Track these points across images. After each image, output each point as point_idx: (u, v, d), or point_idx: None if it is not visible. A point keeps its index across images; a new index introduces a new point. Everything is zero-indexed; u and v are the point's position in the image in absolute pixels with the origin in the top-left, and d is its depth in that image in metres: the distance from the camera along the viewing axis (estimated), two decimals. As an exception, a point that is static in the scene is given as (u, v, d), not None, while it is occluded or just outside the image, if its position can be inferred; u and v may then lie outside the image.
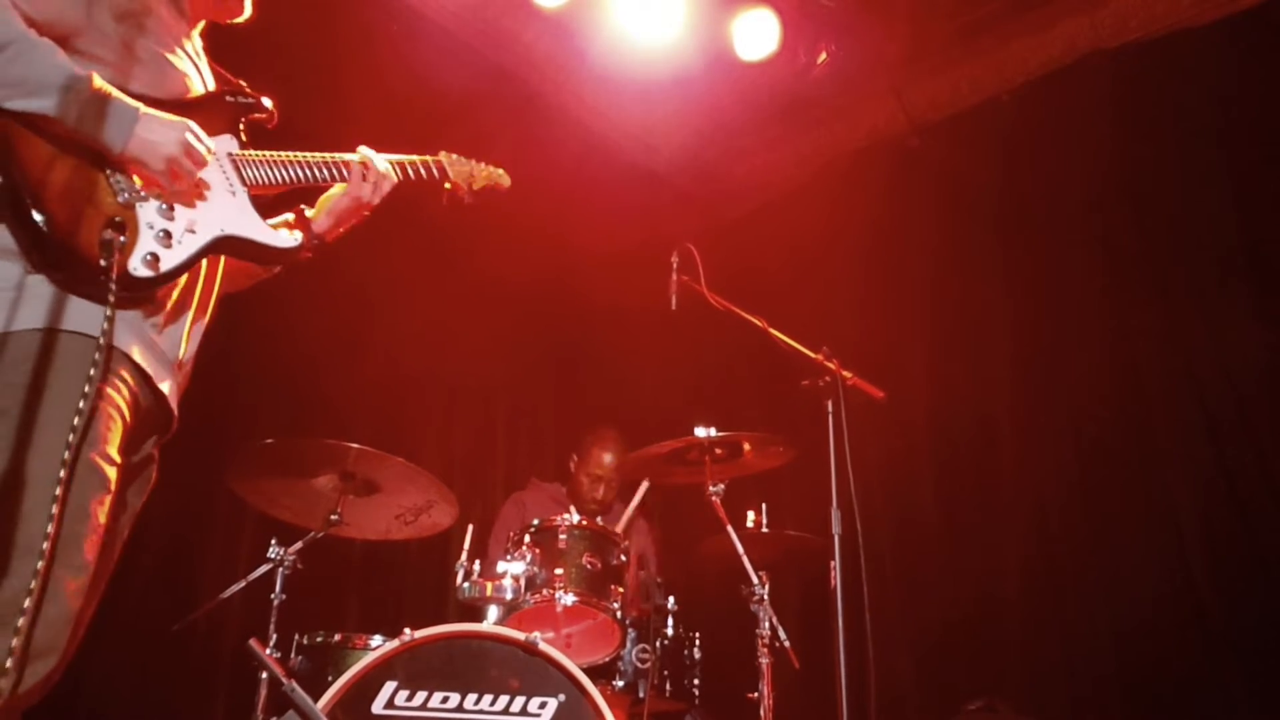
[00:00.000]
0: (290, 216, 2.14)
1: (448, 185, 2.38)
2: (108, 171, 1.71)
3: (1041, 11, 4.45)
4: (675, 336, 4.75)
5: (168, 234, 1.75)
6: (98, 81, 1.67)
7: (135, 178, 1.75)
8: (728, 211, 5.65)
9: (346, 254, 4.85)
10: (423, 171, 2.33)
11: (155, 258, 1.71)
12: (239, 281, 2.18)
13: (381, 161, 2.20)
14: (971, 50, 4.65)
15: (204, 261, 1.93)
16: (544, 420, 5.85)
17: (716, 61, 4.57)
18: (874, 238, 4.92)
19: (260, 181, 1.98)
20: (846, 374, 3.11)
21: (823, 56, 4.49)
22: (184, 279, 1.84)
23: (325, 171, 2.13)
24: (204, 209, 1.84)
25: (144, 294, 1.74)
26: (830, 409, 3.07)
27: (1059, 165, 4.50)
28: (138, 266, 1.69)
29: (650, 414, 4.89)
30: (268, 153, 2.03)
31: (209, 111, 1.93)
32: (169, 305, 1.82)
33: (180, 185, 1.79)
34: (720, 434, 3.35)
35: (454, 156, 2.41)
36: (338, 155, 2.18)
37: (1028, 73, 4.60)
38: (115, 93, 1.69)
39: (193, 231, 1.80)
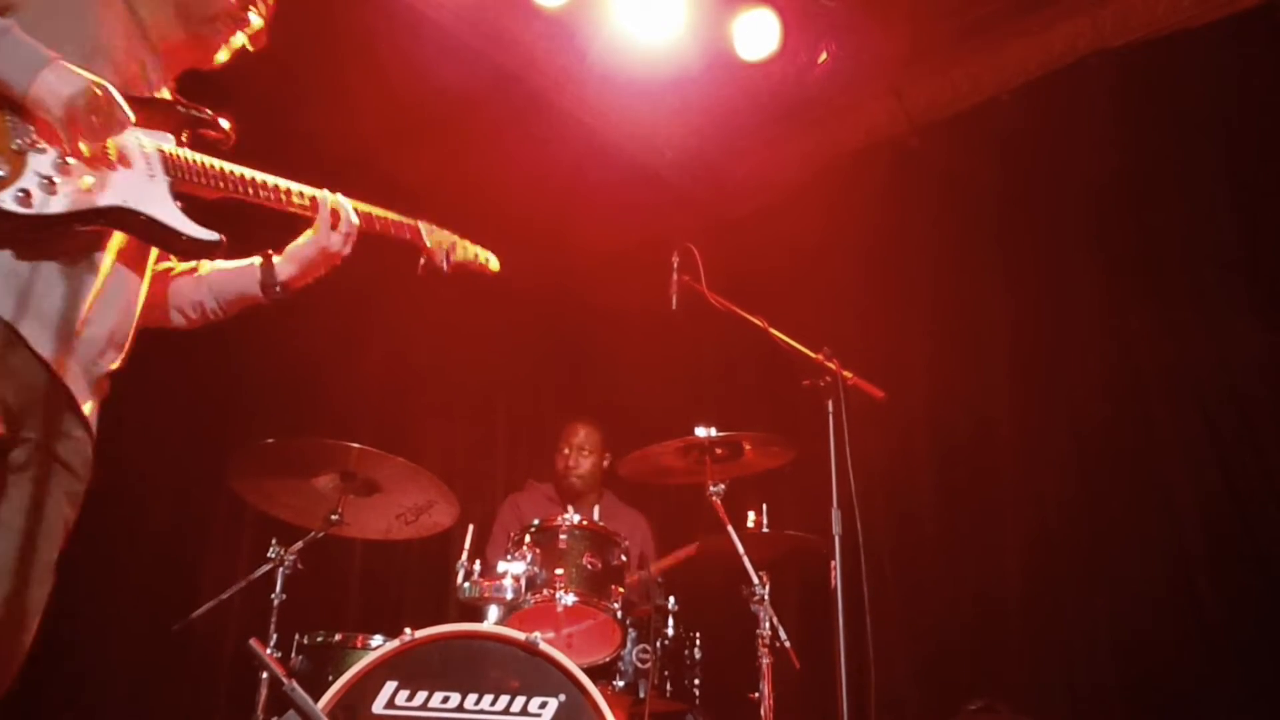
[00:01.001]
0: (257, 260, 2.11)
1: (423, 256, 2.36)
2: (9, 116, 1.67)
3: (1042, 11, 4.45)
4: (676, 336, 4.75)
5: (52, 182, 1.68)
6: (16, 30, 1.65)
7: (36, 128, 1.69)
8: (728, 211, 5.65)
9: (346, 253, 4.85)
10: (393, 230, 2.27)
11: (27, 195, 1.64)
12: (162, 311, 2.13)
13: (350, 209, 2.14)
14: (972, 50, 4.66)
15: (116, 245, 1.84)
16: (544, 420, 5.85)
17: (717, 62, 4.57)
18: (874, 238, 4.92)
19: (186, 178, 1.90)
20: (847, 374, 3.11)
21: (823, 56, 4.50)
22: (82, 245, 1.76)
23: (267, 194, 2.04)
24: (112, 178, 1.78)
25: (11, 230, 1.65)
26: (831, 409, 3.07)
27: (1059, 165, 4.50)
28: (5, 198, 1.62)
29: (650, 414, 4.89)
30: (207, 158, 1.95)
31: (154, 111, 1.89)
32: (57, 263, 1.72)
33: (79, 137, 1.72)
34: (721, 434, 3.35)
35: (432, 226, 2.38)
36: (293, 184, 2.10)
37: (1028, 73, 4.61)
38: (31, 40, 1.67)
39: (88, 193, 1.73)
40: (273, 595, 3.05)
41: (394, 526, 3.41)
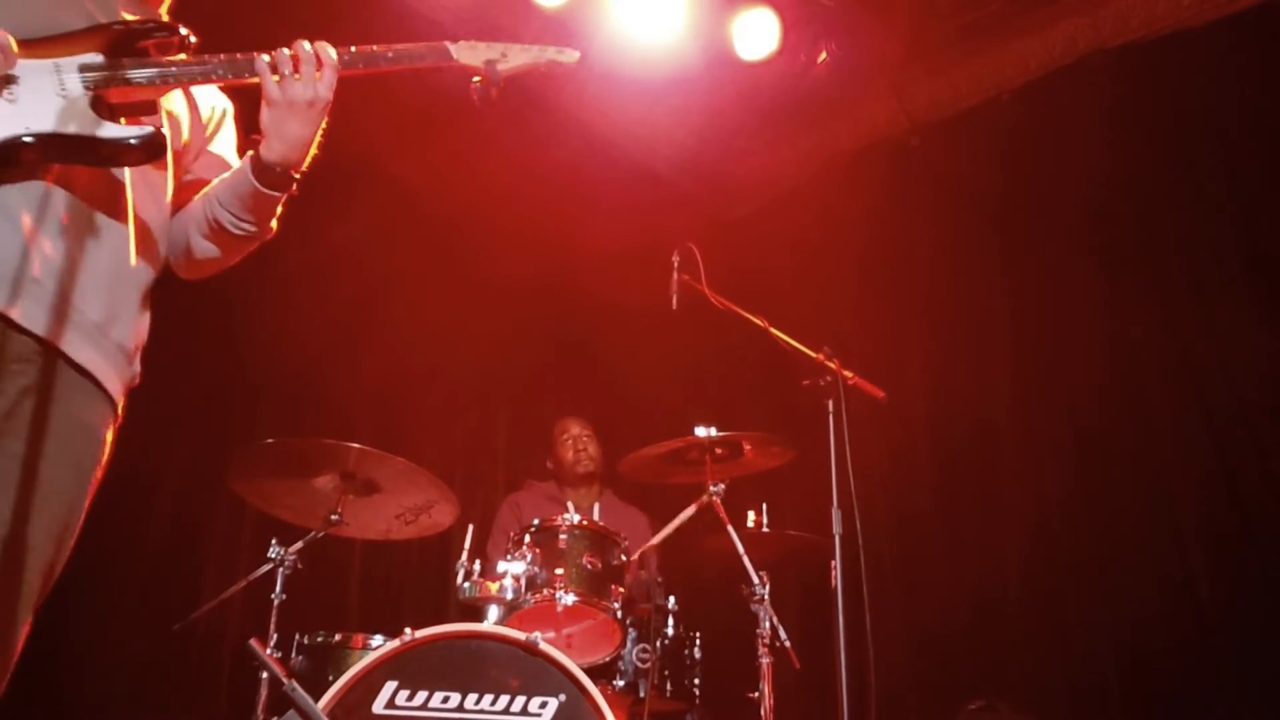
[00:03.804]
0: (250, 153, 1.85)
1: (475, 79, 1.94)
2: None
3: (1042, 11, 4.45)
4: (676, 336, 4.75)
5: None
6: None
7: None
8: (728, 211, 5.65)
9: (347, 253, 4.87)
10: (406, 63, 1.89)
11: None
12: (182, 248, 1.90)
13: (304, 46, 1.79)
14: (972, 50, 4.65)
15: (50, 177, 1.66)
16: (545, 420, 5.84)
17: (717, 61, 4.57)
18: (875, 237, 4.92)
19: (108, 84, 1.69)
20: (847, 374, 3.11)
21: (823, 56, 4.50)
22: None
23: (213, 70, 1.75)
24: (9, 109, 1.62)
25: None
26: (831, 408, 3.07)
27: (1059, 165, 4.50)
28: None
29: (651, 414, 4.89)
30: (140, 61, 1.73)
31: (83, 39, 1.71)
32: None
33: None
34: (721, 434, 3.35)
35: (471, 44, 1.99)
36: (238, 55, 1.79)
37: (1028, 72, 4.61)
38: None
39: None
40: (273, 595, 3.04)
41: (394, 526, 3.41)
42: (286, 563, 3.07)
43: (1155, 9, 4.25)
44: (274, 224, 1.91)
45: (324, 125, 1.83)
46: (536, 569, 3.19)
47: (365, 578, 4.75)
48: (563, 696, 2.66)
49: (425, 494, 3.25)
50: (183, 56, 1.77)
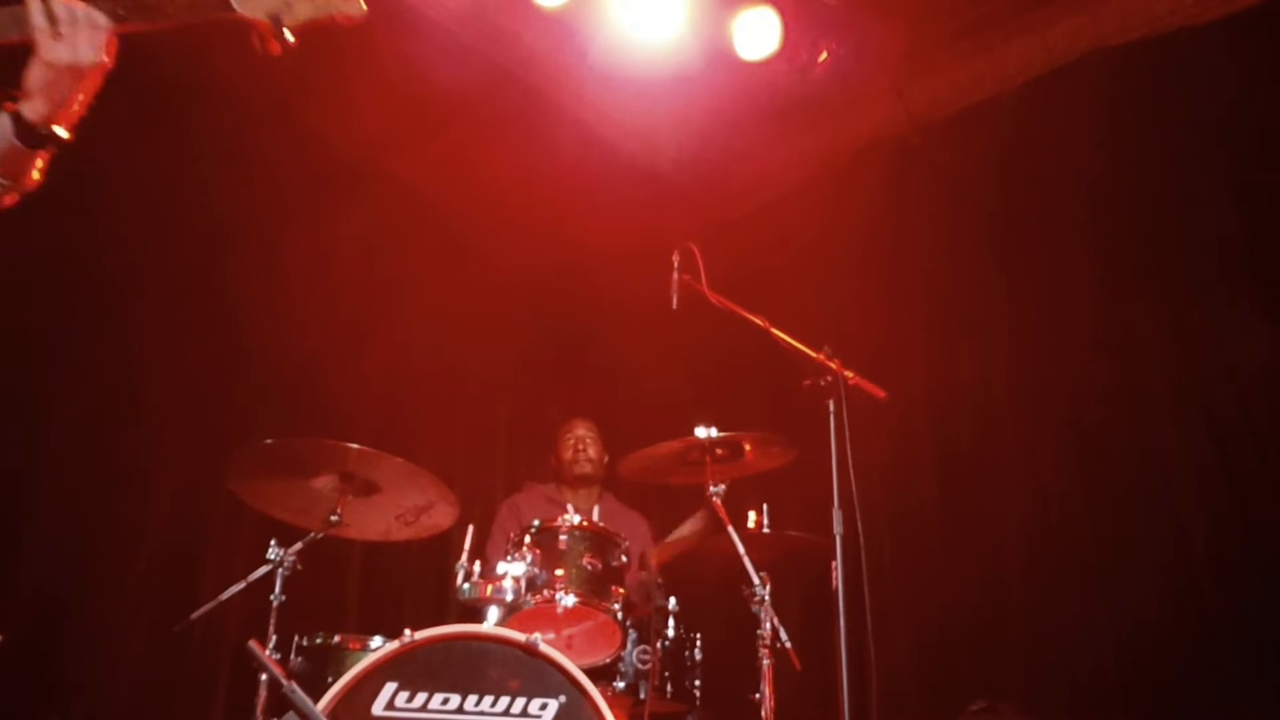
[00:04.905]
0: (10, 112, 1.73)
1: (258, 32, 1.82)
2: None
3: (1044, 10, 4.45)
4: (676, 336, 4.74)
5: None
6: None
7: None
8: (729, 210, 5.64)
9: (346, 252, 4.86)
10: (186, 14, 1.75)
11: None
12: None
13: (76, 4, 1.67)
14: (973, 48, 4.65)
15: None
16: (545, 420, 5.84)
17: (717, 60, 4.57)
18: (875, 236, 4.91)
19: None
20: (848, 373, 3.10)
21: (824, 55, 4.49)
22: None
23: None
24: None
25: None
26: (832, 409, 3.06)
27: (1061, 163, 4.49)
28: None
29: (651, 414, 4.88)
30: None
31: None
32: None
33: None
34: (721, 434, 3.34)
35: None
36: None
37: (1029, 71, 4.60)
38: None
39: None
40: (272, 596, 3.03)
41: (393, 527, 3.40)
42: (286, 564, 3.06)
43: (1157, 7, 4.25)
44: (36, 175, 1.80)
45: (94, 88, 1.74)
46: (536, 570, 3.18)
47: (365, 579, 4.74)
48: (563, 698, 2.65)
49: (425, 494, 3.25)
50: None
